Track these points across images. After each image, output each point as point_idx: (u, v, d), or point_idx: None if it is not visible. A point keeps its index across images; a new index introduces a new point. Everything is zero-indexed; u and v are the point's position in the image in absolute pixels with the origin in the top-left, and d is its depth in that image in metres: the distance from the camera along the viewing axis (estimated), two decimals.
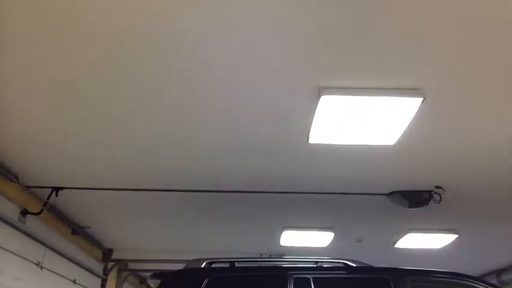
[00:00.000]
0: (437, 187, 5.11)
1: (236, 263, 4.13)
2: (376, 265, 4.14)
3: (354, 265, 4.02)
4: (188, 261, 4.14)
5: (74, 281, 6.60)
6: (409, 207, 5.20)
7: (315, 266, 4.19)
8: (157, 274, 4.14)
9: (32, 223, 5.41)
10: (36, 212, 5.30)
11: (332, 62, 3.11)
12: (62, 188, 5.27)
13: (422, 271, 3.94)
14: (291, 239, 7.09)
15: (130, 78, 3.33)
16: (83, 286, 6.89)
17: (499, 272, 8.41)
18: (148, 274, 8.16)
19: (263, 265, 4.46)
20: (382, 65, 3.14)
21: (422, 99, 3.38)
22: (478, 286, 3.79)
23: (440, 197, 5.14)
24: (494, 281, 8.23)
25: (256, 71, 3.23)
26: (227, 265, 4.11)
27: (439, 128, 3.93)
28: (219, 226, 6.70)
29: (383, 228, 6.63)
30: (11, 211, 5.02)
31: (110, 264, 8.15)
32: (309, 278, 3.79)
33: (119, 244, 7.84)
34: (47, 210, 5.65)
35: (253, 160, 4.59)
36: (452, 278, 3.87)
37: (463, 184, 5.03)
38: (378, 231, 6.74)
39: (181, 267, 4.08)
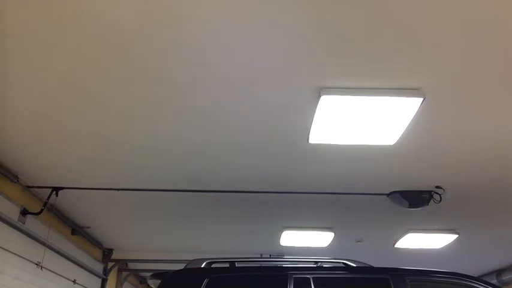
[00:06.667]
0: (437, 187, 5.11)
1: (236, 263, 4.13)
2: (376, 265, 4.14)
3: (354, 265, 4.03)
4: (188, 261, 4.14)
5: (74, 281, 6.59)
6: (409, 207, 5.20)
7: (315, 266, 4.19)
8: (157, 274, 4.14)
9: (32, 223, 5.41)
10: (36, 212, 5.30)
11: (332, 62, 3.11)
12: (62, 188, 5.27)
13: (422, 271, 3.94)
14: (291, 239, 7.09)
15: (130, 79, 3.33)
16: (83, 286, 6.89)
17: (499, 272, 8.41)
18: (148, 274, 8.16)
19: (263, 265, 4.45)
20: (382, 65, 3.14)
21: (422, 99, 3.38)
22: (478, 286, 3.80)
23: (440, 197, 5.14)
24: (494, 281, 8.24)
25: (256, 71, 3.23)
26: (227, 265, 4.11)
27: (439, 128, 3.92)
28: (219, 226, 6.70)
29: (383, 228, 6.63)
30: (11, 211, 5.01)
31: (110, 264, 8.15)
32: (309, 278, 3.80)
33: (119, 244, 7.84)
34: (47, 210, 5.65)
35: (253, 160, 4.59)
36: (452, 278, 3.87)
37: (463, 184, 5.02)
38: (378, 231, 6.74)
39: (181, 267, 4.08)
